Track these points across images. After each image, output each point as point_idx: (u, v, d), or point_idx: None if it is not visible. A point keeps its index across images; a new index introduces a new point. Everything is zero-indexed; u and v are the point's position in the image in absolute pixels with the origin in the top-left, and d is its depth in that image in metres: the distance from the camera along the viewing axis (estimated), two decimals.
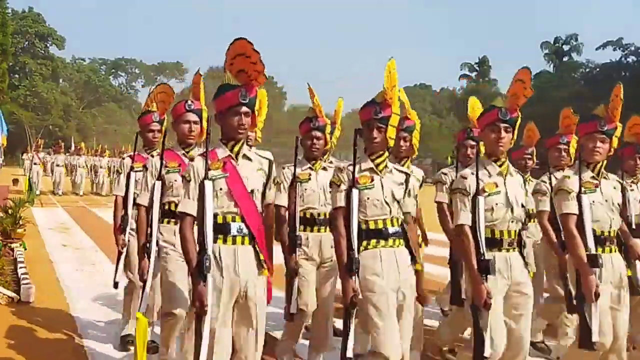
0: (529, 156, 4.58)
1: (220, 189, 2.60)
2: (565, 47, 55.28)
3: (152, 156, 3.58)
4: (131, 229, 4.05)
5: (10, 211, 8.08)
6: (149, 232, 3.42)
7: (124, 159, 4.22)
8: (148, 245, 3.38)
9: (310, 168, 3.77)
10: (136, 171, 3.97)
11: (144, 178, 3.51)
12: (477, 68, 65.84)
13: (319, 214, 3.72)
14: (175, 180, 3.38)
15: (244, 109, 2.62)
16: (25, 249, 7.35)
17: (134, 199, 3.87)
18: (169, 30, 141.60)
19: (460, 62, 63.04)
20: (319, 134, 3.72)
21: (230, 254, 2.60)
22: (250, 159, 2.73)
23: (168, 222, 3.45)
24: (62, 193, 19.46)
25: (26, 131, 49.88)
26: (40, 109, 56.01)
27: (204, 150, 2.68)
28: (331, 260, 3.67)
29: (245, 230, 2.63)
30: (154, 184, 3.38)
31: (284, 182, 3.69)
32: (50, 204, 16.41)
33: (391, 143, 2.94)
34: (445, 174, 4.24)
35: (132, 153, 4.18)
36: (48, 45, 59.81)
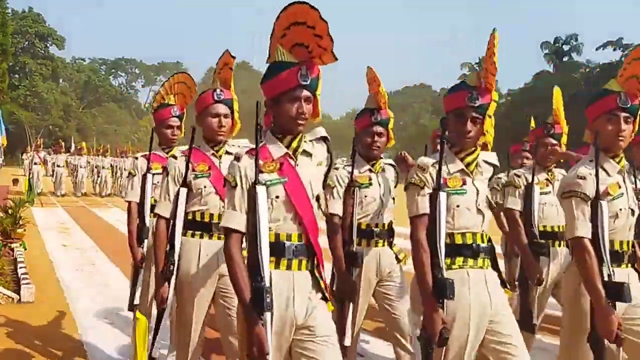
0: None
1: (277, 197, 2.01)
2: (565, 47, 55.30)
3: (175, 157, 2.93)
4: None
5: (10, 211, 8.08)
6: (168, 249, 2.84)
7: (137, 158, 3.67)
8: (169, 266, 2.78)
9: (370, 170, 3.25)
10: (154, 173, 3.47)
11: (165, 183, 2.89)
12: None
13: (376, 225, 3.19)
14: (205, 187, 2.84)
15: (305, 92, 2.01)
16: (25, 249, 7.35)
17: (152, 206, 3.40)
18: (169, 30, 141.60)
19: (460, 62, 62.92)
20: (380, 129, 3.19)
21: (286, 282, 2.02)
22: (310, 154, 2.13)
23: (192, 235, 2.84)
24: (63, 194, 19.10)
25: (26, 131, 49.87)
26: (40, 109, 56.01)
27: (249, 146, 2.24)
28: (391, 277, 3.21)
29: (304, 251, 2.06)
30: (178, 190, 2.82)
31: (338, 186, 3.16)
32: (50, 204, 16.40)
33: (489, 138, 2.41)
34: (519, 176, 3.63)
35: (146, 152, 3.64)
36: (48, 45, 59.82)
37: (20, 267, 6.16)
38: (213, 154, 2.93)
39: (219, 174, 2.83)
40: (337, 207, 3.11)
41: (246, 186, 1.98)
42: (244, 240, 2.02)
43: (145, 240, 3.43)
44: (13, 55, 38.80)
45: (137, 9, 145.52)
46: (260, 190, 1.95)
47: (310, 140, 2.15)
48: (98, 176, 20.25)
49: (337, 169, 3.17)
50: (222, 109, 2.89)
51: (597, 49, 44.59)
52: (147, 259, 3.44)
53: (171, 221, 2.81)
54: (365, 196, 3.17)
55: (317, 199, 2.10)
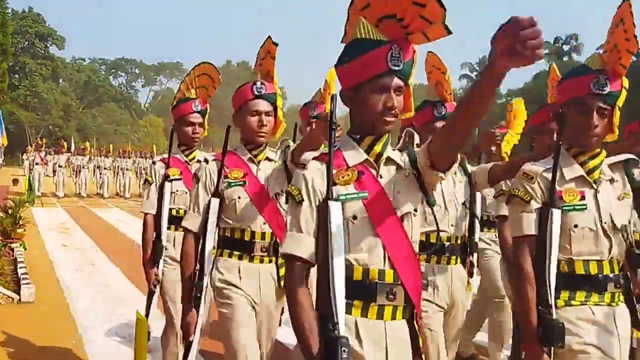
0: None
1: (354, 217, 1.50)
2: (565, 47, 55.36)
3: (207, 160, 2.49)
4: (167, 257, 3.17)
5: (10, 211, 8.08)
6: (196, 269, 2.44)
7: (154, 163, 3.23)
8: (197, 290, 2.37)
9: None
10: (172, 180, 3.08)
11: (195, 192, 2.45)
12: (478, 68, 65.88)
13: (448, 238, 2.66)
14: (239, 198, 2.39)
15: (396, 81, 1.50)
16: (25, 249, 7.35)
17: (172, 218, 3.10)
18: (169, 30, 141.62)
19: (460, 62, 62.99)
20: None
21: (375, 336, 1.51)
22: (395, 163, 1.60)
23: (230, 256, 2.41)
24: (64, 195, 18.56)
25: (26, 131, 49.89)
26: (40, 109, 56.03)
27: (317, 150, 1.72)
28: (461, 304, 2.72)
29: (399, 295, 1.52)
30: (209, 201, 2.39)
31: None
32: (51, 204, 16.39)
33: (615, 137, 1.93)
34: None
35: (164, 156, 3.24)
36: (48, 45, 59.86)
37: (20, 267, 6.17)
38: (250, 158, 2.47)
39: (255, 183, 2.43)
40: None
41: (315, 202, 1.51)
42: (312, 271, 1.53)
43: (161, 261, 3.08)
44: (13, 55, 38.81)
45: (137, 9, 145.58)
46: (334, 209, 1.41)
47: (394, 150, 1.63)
48: (100, 177, 19.86)
49: None
50: (263, 105, 2.42)
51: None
52: (165, 281, 3.11)
53: (200, 237, 2.41)
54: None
55: (407, 218, 1.56)
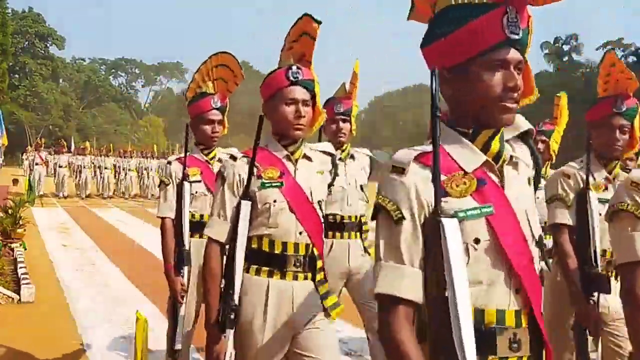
0: None
1: (475, 241, 1.16)
2: (565, 47, 55.39)
3: (234, 158, 2.17)
4: None
5: (10, 211, 8.08)
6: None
7: (170, 163, 2.96)
8: (227, 312, 2.00)
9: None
10: (192, 181, 2.83)
11: (220, 194, 2.10)
12: None
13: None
14: (275, 201, 2.05)
15: (516, 54, 1.19)
16: (25, 249, 7.35)
17: (190, 223, 2.83)
18: (169, 30, 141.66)
19: None
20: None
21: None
22: (517, 165, 1.29)
23: (257, 273, 2.06)
24: (66, 196, 18.27)
25: (26, 131, 49.91)
26: (40, 109, 56.05)
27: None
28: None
29: (524, 344, 1.21)
30: (238, 204, 2.03)
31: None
32: (50, 204, 16.39)
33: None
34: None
35: (180, 155, 2.97)
36: (48, 45, 59.89)
37: (20, 267, 6.16)
38: (287, 156, 2.11)
39: (294, 185, 2.08)
40: None
41: (421, 219, 1.15)
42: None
43: (185, 268, 2.82)
44: (13, 55, 38.80)
45: (137, 9, 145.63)
46: (450, 230, 1.05)
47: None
48: (101, 177, 19.47)
49: None
50: (300, 93, 2.07)
51: (597, 49, 44.60)
52: (190, 292, 2.86)
53: (228, 247, 2.07)
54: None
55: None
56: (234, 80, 2.94)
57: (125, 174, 19.47)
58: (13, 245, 7.44)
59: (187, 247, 2.79)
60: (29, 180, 16.79)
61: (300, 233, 2.05)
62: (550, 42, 54.98)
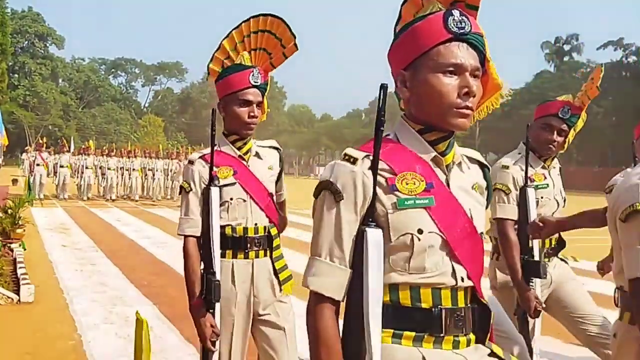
0: None
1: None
2: (566, 47, 55.37)
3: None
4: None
5: (9, 211, 8.07)
6: None
7: (192, 163, 2.25)
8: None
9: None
10: (222, 185, 2.18)
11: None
12: None
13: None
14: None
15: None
16: (25, 249, 7.34)
17: (224, 241, 2.21)
18: (169, 30, 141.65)
19: None
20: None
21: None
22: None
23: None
24: (67, 197, 17.84)
25: (26, 131, 49.90)
26: (39, 108, 56.11)
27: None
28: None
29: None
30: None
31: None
32: (50, 204, 16.38)
33: None
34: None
35: (204, 151, 2.26)
36: (47, 45, 59.97)
37: (20, 267, 6.16)
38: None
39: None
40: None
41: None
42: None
43: (217, 305, 2.16)
44: (12, 55, 38.82)
45: (137, 9, 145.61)
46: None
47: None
48: (103, 178, 18.83)
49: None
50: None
51: (597, 49, 44.68)
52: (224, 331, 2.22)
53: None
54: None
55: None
56: (280, 52, 2.27)
57: (130, 175, 18.94)
58: (12, 245, 7.44)
59: (218, 275, 2.15)
60: (29, 181, 16.64)
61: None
62: (551, 42, 54.85)
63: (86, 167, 18.36)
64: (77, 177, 18.96)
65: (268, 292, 2.29)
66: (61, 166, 18.10)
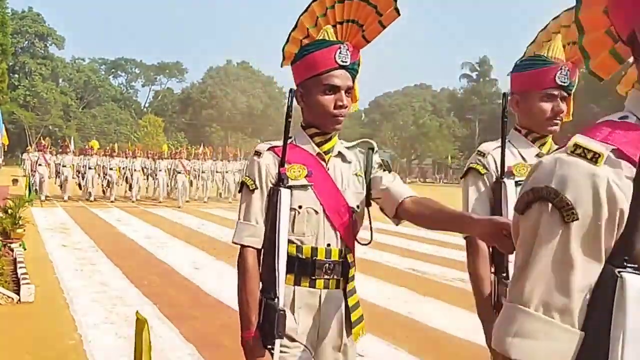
0: None
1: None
2: None
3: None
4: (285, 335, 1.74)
5: (9, 211, 8.08)
6: None
7: (258, 154, 1.78)
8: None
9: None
10: (292, 186, 1.71)
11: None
12: (478, 68, 65.92)
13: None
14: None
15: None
16: (25, 249, 7.35)
17: (291, 260, 1.75)
18: (169, 30, 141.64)
19: (461, 62, 62.92)
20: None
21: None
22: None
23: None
24: (68, 198, 17.58)
25: (26, 131, 49.94)
26: (39, 108, 56.13)
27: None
28: None
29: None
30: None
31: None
32: (50, 204, 16.38)
33: None
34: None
35: (274, 143, 1.80)
36: (47, 45, 60.01)
37: (20, 267, 6.16)
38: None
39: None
40: None
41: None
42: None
43: (277, 342, 1.67)
44: (13, 55, 38.83)
45: (137, 9, 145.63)
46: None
47: None
48: (105, 178, 18.58)
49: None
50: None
51: None
52: None
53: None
54: None
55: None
56: (376, 21, 1.76)
57: (131, 176, 18.74)
58: (13, 245, 7.45)
59: (281, 302, 1.66)
60: (29, 181, 16.54)
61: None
62: None
63: (89, 168, 18.13)
64: (79, 177, 18.76)
65: (334, 335, 1.77)
66: (64, 166, 17.96)
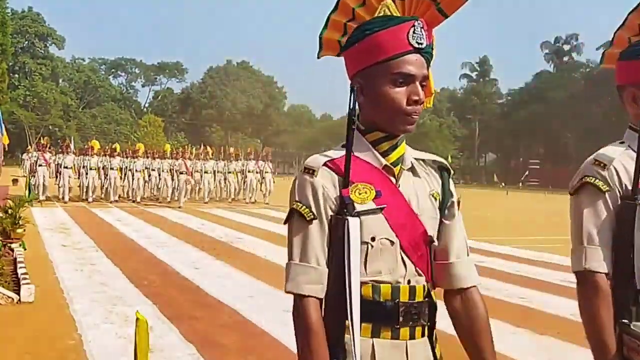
0: None
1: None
2: (566, 47, 55.35)
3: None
4: None
5: (10, 211, 8.08)
6: None
7: (310, 172, 1.31)
8: None
9: None
10: (362, 213, 1.29)
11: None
12: (478, 68, 65.90)
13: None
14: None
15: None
16: (25, 249, 7.35)
17: (367, 306, 1.31)
18: (169, 30, 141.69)
19: (461, 62, 62.95)
20: None
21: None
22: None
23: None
24: (69, 199, 17.36)
25: (26, 131, 49.95)
26: (39, 108, 56.16)
27: None
28: None
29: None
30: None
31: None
32: (50, 204, 16.38)
33: None
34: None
35: (330, 155, 1.34)
36: (48, 45, 60.03)
37: (20, 267, 6.16)
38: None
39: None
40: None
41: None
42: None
43: None
44: (13, 55, 38.85)
45: (137, 8, 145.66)
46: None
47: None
48: (106, 178, 18.31)
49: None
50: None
51: (597, 49, 44.70)
52: None
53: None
54: None
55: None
56: None
57: (132, 176, 18.60)
58: (13, 245, 7.45)
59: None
60: (29, 181, 16.48)
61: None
62: (550, 42, 54.84)
63: (90, 168, 17.92)
64: (80, 178, 18.51)
65: None
66: (65, 167, 17.72)
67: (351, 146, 1.28)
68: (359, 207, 1.29)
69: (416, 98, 1.30)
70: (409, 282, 1.33)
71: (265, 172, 20.04)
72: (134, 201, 18.29)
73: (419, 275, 1.35)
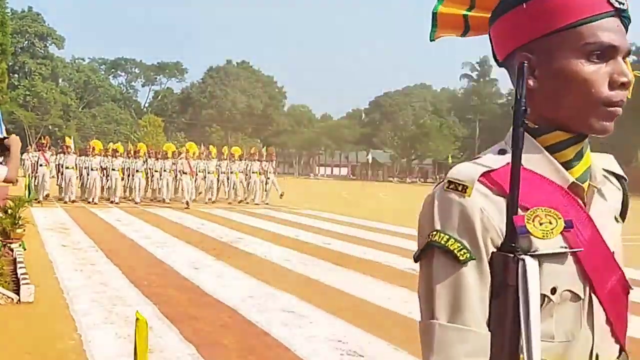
0: None
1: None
2: None
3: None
4: None
5: (9, 211, 8.08)
6: None
7: (457, 188, 0.86)
8: None
9: None
10: (542, 255, 0.85)
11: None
12: (478, 68, 65.98)
13: None
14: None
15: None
16: (25, 249, 7.35)
17: None
18: (169, 30, 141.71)
19: (461, 62, 62.97)
20: None
21: None
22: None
23: None
24: (72, 200, 17.20)
25: (26, 131, 49.97)
26: (39, 108, 56.17)
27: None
28: None
29: None
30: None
31: None
32: (50, 204, 16.37)
33: None
34: None
35: (485, 162, 0.90)
36: (47, 45, 60.04)
37: (20, 267, 6.16)
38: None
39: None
40: None
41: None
42: None
43: None
44: (12, 55, 38.84)
45: (137, 8, 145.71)
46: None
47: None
48: (107, 179, 18.14)
49: None
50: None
51: None
52: None
53: None
54: None
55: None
56: None
57: (133, 176, 18.50)
58: (12, 245, 7.45)
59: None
60: (29, 181, 16.40)
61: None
62: None
63: (91, 169, 17.75)
64: (80, 178, 18.30)
65: None
66: (67, 167, 17.57)
67: (521, 153, 0.84)
68: (539, 245, 0.86)
69: (624, 80, 0.87)
70: (597, 357, 0.90)
71: (270, 173, 19.79)
72: (136, 202, 18.17)
73: (614, 342, 0.93)
